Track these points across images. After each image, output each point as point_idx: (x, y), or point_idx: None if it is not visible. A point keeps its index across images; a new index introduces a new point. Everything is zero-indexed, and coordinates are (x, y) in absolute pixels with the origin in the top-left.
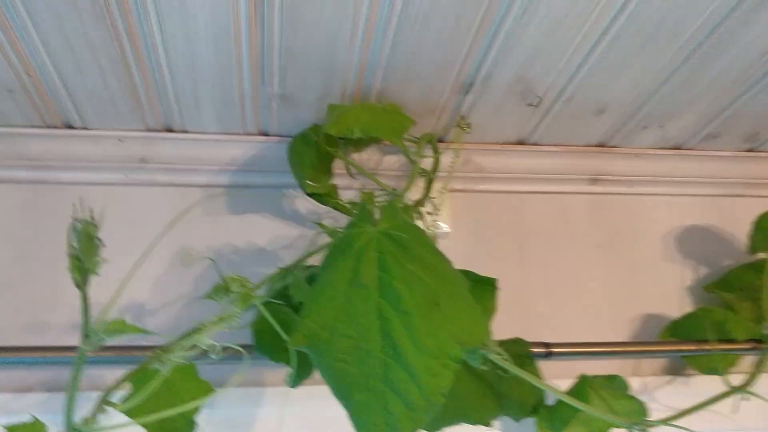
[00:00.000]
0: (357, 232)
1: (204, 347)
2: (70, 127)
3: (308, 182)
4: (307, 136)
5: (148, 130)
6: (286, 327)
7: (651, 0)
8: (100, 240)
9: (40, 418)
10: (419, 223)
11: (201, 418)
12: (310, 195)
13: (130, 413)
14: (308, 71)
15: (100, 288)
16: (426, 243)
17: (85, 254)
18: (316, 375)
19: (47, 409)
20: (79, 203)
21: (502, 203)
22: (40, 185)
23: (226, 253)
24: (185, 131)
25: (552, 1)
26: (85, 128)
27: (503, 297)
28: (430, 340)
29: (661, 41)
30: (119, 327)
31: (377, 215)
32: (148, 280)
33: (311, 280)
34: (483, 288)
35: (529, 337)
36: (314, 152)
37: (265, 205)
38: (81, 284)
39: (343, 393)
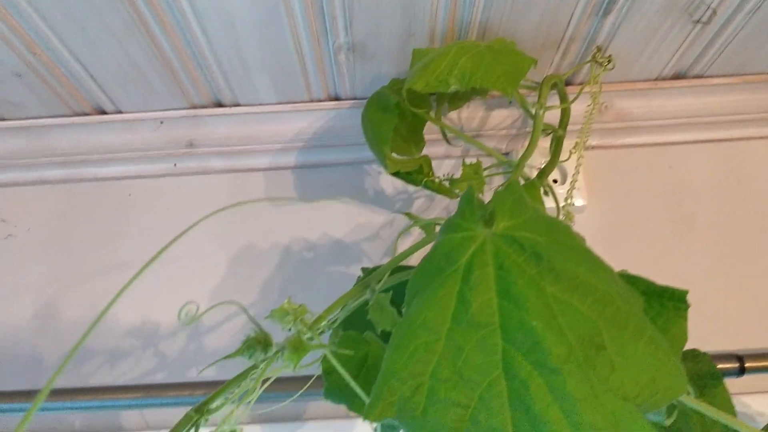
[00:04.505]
0: (461, 238)
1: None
2: (103, 112)
3: (389, 161)
4: (385, 98)
5: (193, 107)
6: (367, 368)
7: None
8: None
9: None
10: (548, 203)
11: None
12: (395, 174)
13: None
14: (381, 7)
15: (150, 301)
16: (573, 246)
17: None
18: None
19: None
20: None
21: (655, 159)
22: (74, 183)
23: (297, 249)
24: (237, 104)
25: None
26: (119, 112)
27: None
28: (594, 412)
29: None
30: None
31: (489, 201)
32: (204, 290)
33: (399, 292)
34: (663, 305)
35: (710, 347)
36: (395, 118)
37: (342, 186)
38: None
39: None
